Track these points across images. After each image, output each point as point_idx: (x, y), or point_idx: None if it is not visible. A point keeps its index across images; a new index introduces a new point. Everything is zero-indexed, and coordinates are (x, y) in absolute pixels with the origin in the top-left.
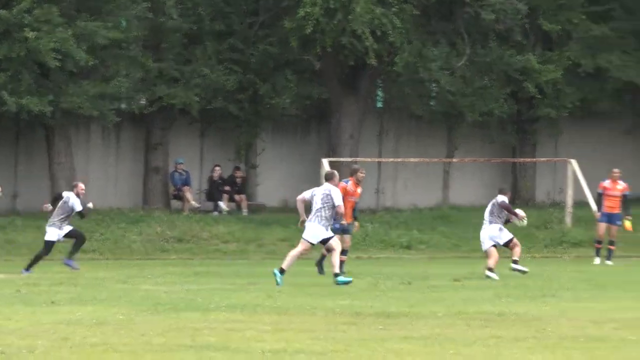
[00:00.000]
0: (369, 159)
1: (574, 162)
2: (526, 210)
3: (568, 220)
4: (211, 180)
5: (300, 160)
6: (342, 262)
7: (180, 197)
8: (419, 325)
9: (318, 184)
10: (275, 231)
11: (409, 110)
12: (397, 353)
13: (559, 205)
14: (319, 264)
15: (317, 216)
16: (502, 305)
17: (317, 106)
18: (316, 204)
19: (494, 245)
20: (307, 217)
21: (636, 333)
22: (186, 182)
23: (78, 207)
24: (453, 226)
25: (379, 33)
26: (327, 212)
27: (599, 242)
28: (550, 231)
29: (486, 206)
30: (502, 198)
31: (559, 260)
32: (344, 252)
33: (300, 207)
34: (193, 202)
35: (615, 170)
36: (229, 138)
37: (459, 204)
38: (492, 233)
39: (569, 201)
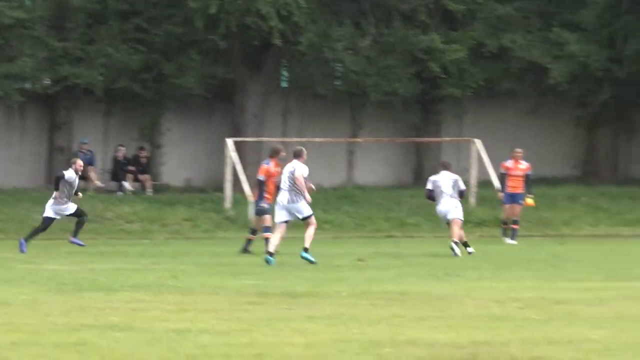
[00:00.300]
0: (273, 139)
1: (478, 142)
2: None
3: (472, 199)
4: (115, 160)
5: (204, 140)
6: (250, 241)
7: (84, 177)
8: (324, 304)
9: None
10: (179, 211)
11: (314, 90)
12: (302, 332)
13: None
14: (246, 250)
15: (294, 193)
16: (405, 284)
17: (221, 86)
18: (284, 184)
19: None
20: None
21: (539, 312)
22: (90, 162)
23: (69, 176)
24: (357, 206)
25: (283, 13)
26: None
27: (505, 223)
28: None
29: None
30: (460, 181)
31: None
32: (254, 231)
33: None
34: (97, 182)
35: (518, 150)
36: (133, 118)
37: (364, 184)
38: (448, 207)
39: (473, 181)
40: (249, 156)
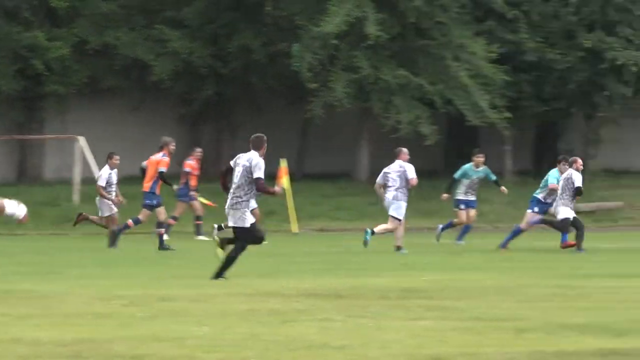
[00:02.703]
0: None
1: (81, 139)
2: (34, 188)
3: (76, 197)
4: None
5: None
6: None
7: None
8: None
9: None
10: None
11: None
12: None
13: (68, 183)
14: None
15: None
16: (8, 283)
17: None
18: (394, 182)
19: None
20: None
21: (144, 310)
22: None
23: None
24: None
25: None
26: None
27: (199, 219)
28: (58, 208)
29: None
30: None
31: (66, 237)
32: (161, 225)
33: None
34: None
35: (198, 149)
36: None
37: None
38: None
39: (77, 178)
40: None
